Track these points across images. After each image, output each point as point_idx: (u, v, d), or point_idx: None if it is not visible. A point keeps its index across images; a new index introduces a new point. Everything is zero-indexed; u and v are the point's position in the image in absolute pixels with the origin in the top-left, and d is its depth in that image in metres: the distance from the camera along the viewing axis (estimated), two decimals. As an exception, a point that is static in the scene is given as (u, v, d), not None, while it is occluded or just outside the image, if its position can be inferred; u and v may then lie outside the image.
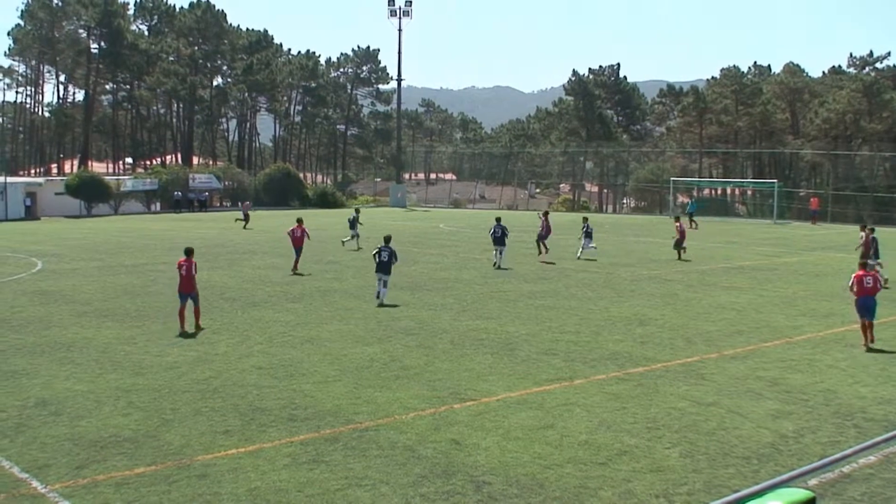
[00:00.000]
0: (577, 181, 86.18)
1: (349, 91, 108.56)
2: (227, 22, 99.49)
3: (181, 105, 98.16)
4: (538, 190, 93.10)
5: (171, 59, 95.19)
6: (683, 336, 16.05)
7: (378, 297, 19.71)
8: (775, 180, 60.45)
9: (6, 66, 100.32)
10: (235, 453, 9.44)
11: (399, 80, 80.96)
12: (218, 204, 76.69)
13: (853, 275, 15.55)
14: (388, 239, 20.41)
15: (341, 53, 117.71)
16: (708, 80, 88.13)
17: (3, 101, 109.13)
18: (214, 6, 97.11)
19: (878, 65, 78.96)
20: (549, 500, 8.19)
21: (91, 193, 62.95)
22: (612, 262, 28.96)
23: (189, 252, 16.87)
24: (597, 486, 8.52)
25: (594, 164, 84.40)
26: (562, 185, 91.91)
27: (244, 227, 44.59)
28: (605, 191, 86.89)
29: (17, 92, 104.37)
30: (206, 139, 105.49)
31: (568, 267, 27.34)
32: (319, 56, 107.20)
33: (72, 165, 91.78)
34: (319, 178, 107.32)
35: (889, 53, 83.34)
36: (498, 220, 28.02)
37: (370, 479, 8.64)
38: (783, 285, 23.30)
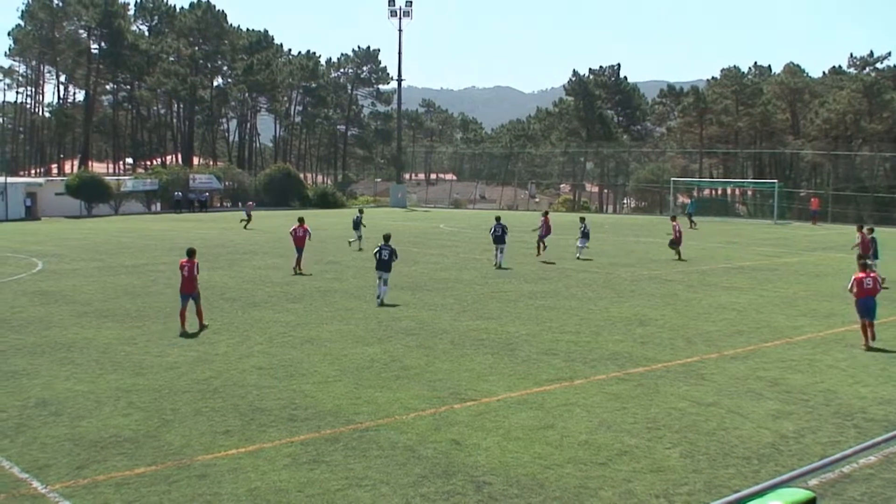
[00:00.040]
0: (578, 181, 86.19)
1: (349, 91, 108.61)
2: (227, 22, 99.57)
3: (181, 105, 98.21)
4: (538, 190, 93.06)
5: (172, 59, 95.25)
6: (684, 336, 16.04)
7: (378, 296, 19.76)
8: (776, 180, 60.44)
9: (7, 66, 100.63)
10: (235, 453, 9.43)
11: (399, 81, 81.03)
12: (218, 204, 76.71)
13: (853, 276, 15.58)
14: (387, 237, 20.51)
15: (341, 54, 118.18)
16: (708, 80, 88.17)
17: (4, 102, 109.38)
18: (215, 6, 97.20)
19: (878, 65, 78.97)
20: (549, 500, 8.19)
21: (91, 194, 62.97)
22: (612, 262, 28.96)
23: (191, 253, 16.88)
24: (597, 486, 8.52)
25: (594, 164, 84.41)
26: (562, 186, 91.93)
27: (245, 227, 44.59)
28: (606, 191, 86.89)
29: (17, 92, 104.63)
30: (207, 139, 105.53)
31: (568, 267, 27.34)
32: (320, 56, 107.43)
33: (72, 166, 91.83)
34: (320, 178, 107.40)
35: (889, 54, 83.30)
36: (498, 219, 28.13)
37: (370, 480, 8.64)
38: (783, 285, 23.29)
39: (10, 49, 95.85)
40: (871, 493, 8.38)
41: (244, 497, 8.21)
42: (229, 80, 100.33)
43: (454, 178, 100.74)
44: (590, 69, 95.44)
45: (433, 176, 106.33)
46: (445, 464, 9.11)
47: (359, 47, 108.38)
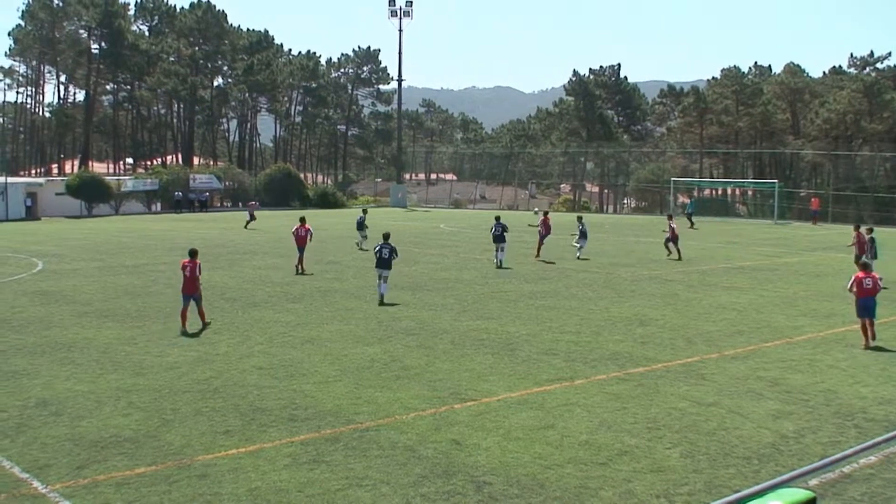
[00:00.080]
0: (578, 181, 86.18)
1: (350, 91, 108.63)
2: (227, 22, 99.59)
3: (182, 105, 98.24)
4: (538, 190, 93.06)
5: (172, 59, 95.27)
6: (684, 336, 16.04)
7: (380, 294, 19.86)
8: (776, 180, 60.43)
9: (7, 66, 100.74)
10: (236, 453, 9.44)
11: (399, 81, 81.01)
12: (218, 204, 76.71)
13: (853, 276, 15.63)
14: (386, 236, 20.79)
15: (342, 54, 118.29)
16: (708, 80, 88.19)
17: (4, 102, 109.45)
18: (215, 6, 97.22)
19: (878, 65, 78.96)
20: (549, 500, 8.19)
21: (92, 194, 62.96)
22: (612, 262, 28.96)
23: (193, 253, 16.89)
24: (597, 486, 8.52)
25: (595, 164, 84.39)
26: (562, 186, 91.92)
27: (245, 227, 44.60)
28: (606, 191, 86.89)
29: (17, 92, 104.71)
30: (207, 139, 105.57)
31: (568, 267, 27.34)
32: (320, 56, 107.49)
33: (72, 166, 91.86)
34: (320, 178, 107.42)
35: (890, 54, 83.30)
36: (497, 218, 28.29)
37: (371, 480, 8.64)
38: (784, 285, 23.29)
39: (10, 49, 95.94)
40: (871, 493, 8.38)
41: (244, 497, 8.21)
42: (229, 80, 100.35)
43: (454, 178, 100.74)
44: (590, 69, 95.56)
45: (433, 176, 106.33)
46: (446, 464, 9.11)
47: (359, 47, 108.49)
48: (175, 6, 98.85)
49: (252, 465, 9.07)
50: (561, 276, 25.16)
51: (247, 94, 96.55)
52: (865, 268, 15.82)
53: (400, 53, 77.58)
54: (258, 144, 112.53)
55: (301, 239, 25.61)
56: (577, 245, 30.05)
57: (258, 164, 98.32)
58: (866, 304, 15.11)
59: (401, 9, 75.00)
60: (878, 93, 70.63)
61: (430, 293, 21.33)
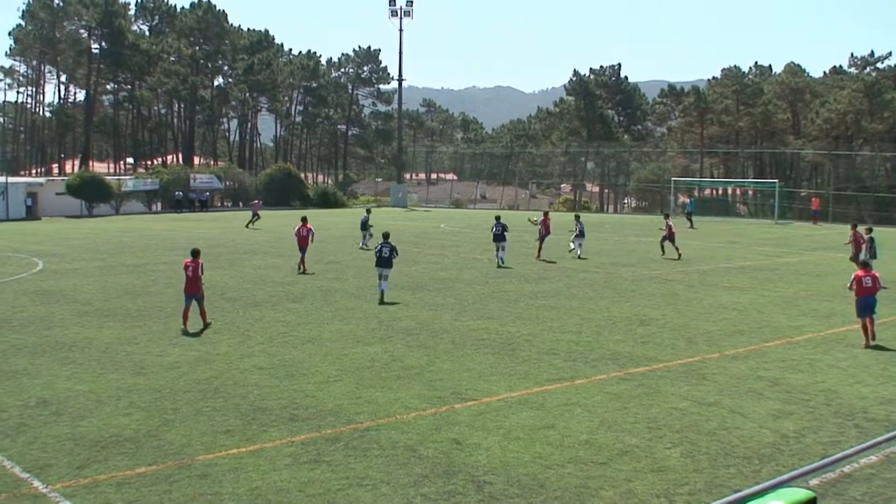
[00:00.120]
0: (578, 181, 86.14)
1: (350, 91, 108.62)
2: (227, 22, 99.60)
3: (182, 105, 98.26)
4: (539, 190, 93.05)
5: (172, 59, 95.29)
6: (684, 336, 16.04)
7: (380, 291, 19.98)
8: (776, 180, 60.43)
9: (7, 66, 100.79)
10: (236, 453, 9.44)
11: (400, 80, 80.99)
12: (219, 204, 76.71)
13: (853, 274, 15.68)
14: (386, 235, 21.01)
15: (342, 53, 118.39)
16: (709, 80, 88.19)
17: (5, 101, 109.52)
18: (215, 6, 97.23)
19: (879, 65, 78.92)
20: (550, 500, 8.19)
21: (92, 193, 62.95)
22: (613, 262, 28.96)
23: (195, 253, 16.90)
24: (598, 486, 8.52)
25: (595, 164, 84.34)
26: (563, 186, 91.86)
27: (246, 226, 44.61)
28: (607, 191, 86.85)
29: (18, 92, 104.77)
30: (207, 139, 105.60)
31: (569, 267, 27.34)
32: (320, 56, 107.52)
33: (73, 165, 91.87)
34: (320, 178, 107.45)
35: (890, 53, 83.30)
36: (497, 218, 28.40)
37: (371, 479, 8.64)
38: (784, 285, 23.29)
39: (10, 49, 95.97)
40: (871, 493, 8.38)
41: (245, 496, 8.22)
42: (230, 79, 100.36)
43: (455, 177, 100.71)
44: (590, 69, 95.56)
45: (434, 176, 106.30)
46: (446, 463, 9.11)
47: (359, 47, 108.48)
48: (175, 6, 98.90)
49: (253, 464, 9.07)
50: (561, 275, 25.16)
51: (247, 94, 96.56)
52: (865, 266, 15.87)
53: (400, 53, 77.62)
54: (259, 144, 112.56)
55: (303, 239, 25.61)
56: (574, 244, 30.20)
57: (258, 164, 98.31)
58: (867, 303, 15.14)
59: (401, 8, 75.01)
60: (878, 93, 70.61)
61: (430, 293, 21.34)
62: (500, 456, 9.35)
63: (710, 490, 8.40)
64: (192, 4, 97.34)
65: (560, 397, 11.73)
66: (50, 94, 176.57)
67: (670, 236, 30.33)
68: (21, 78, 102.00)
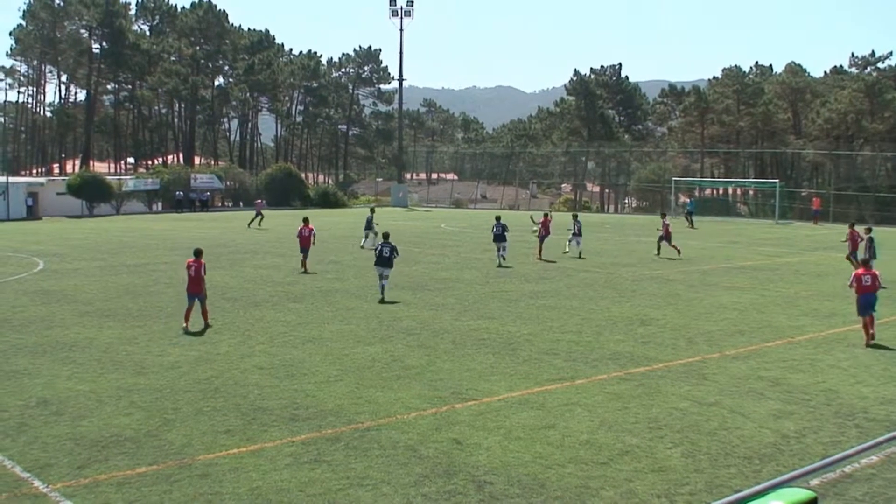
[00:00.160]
0: (579, 181, 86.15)
1: (351, 91, 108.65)
2: (228, 22, 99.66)
3: (183, 105, 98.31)
4: (539, 190, 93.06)
5: (173, 59, 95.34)
6: (685, 336, 16.04)
7: (380, 286, 20.08)
8: (777, 180, 60.42)
9: (8, 66, 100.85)
10: (237, 453, 9.44)
11: (400, 80, 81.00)
12: (219, 204, 76.75)
13: (853, 272, 15.79)
14: (386, 235, 21.13)
15: (343, 53, 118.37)
16: (709, 80, 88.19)
17: (5, 101, 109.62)
18: (216, 6, 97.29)
19: (879, 65, 78.92)
20: (550, 499, 8.19)
21: (93, 193, 62.98)
22: (613, 261, 28.96)
23: (198, 253, 16.90)
24: (598, 486, 8.52)
25: (596, 164, 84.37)
26: (563, 185, 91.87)
27: (248, 225, 44.64)
28: (607, 191, 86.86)
29: (18, 92, 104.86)
30: (208, 139, 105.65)
31: (569, 267, 27.33)
32: (321, 56, 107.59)
33: (73, 165, 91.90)
34: (321, 178, 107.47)
35: (891, 53, 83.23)
36: (498, 218, 28.47)
37: (372, 479, 8.64)
38: (785, 285, 23.28)
39: (11, 49, 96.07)
40: (872, 493, 8.37)
41: (245, 496, 8.21)
42: (230, 79, 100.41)
43: (455, 177, 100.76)
44: (591, 69, 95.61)
45: (434, 176, 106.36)
46: (447, 463, 9.11)
47: (360, 47, 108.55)
48: (176, 6, 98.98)
49: (253, 464, 9.07)
50: (562, 275, 25.16)
51: (248, 94, 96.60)
52: (866, 264, 15.96)
53: (401, 53, 77.63)
54: (259, 144, 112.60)
55: (304, 239, 25.57)
56: (571, 243, 30.35)
57: (259, 164, 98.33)
58: (867, 301, 15.20)
59: (402, 8, 75.02)
60: (879, 92, 70.60)
61: (430, 293, 21.34)
62: (500, 456, 9.34)
63: (710, 490, 8.39)
64: (192, 4, 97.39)
65: (560, 397, 11.72)
66: (51, 93, 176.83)
67: (666, 236, 30.46)
68: (22, 78, 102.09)
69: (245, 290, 21.62)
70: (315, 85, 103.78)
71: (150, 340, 15.43)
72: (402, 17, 75.06)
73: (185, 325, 16.33)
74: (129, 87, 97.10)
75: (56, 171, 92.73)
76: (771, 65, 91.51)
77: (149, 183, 68.20)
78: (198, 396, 11.69)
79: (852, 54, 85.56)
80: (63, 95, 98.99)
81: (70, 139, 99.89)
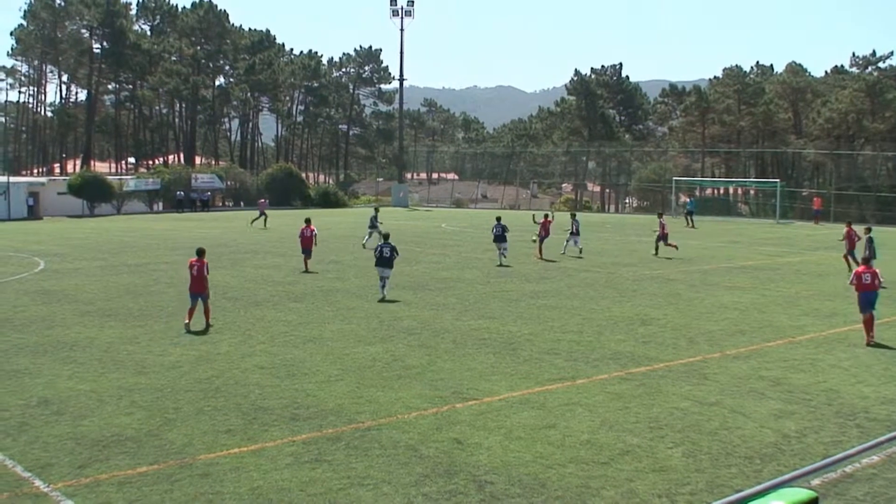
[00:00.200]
0: (580, 181, 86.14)
1: (351, 91, 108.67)
2: (229, 22, 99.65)
3: (183, 105, 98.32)
4: (540, 190, 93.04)
5: (174, 58, 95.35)
6: (686, 336, 16.03)
7: (381, 286, 20.14)
8: (778, 180, 60.39)
9: (9, 65, 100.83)
10: (238, 452, 9.44)
11: (401, 80, 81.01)
12: (220, 204, 76.77)
13: (853, 271, 15.89)
14: (386, 236, 21.27)
15: (343, 53, 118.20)
16: (710, 79, 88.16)
17: (6, 101, 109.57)
18: (217, 6, 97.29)
19: (880, 64, 78.88)
20: (551, 499, 8.19)
21: (94, 193, 63.00)
22: (614, 261, 28.96)
23: (201, 253, 16.91)
24: (599, 485, 8.52)
25: (596, 163, 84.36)
26: (564, 185, 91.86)
27: (251, 223, 44.65)
28: (608, 190, 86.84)
29: (19, 92, 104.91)
30: (209, 139, 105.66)
31: (570, 266, 27.33)
32: (321, 56, 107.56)
33: (74, 165, 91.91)
34: (321, 177, 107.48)
35: (892, 53, 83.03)
36: (498, 219, 28.47)
37: (372, 479, 8.64)
38: (786, 285, 23.27)
39: (12, 49, 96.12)
40: (873, 493, 8.37)
41: (246, 496, 8.22)
42: (231, 79, 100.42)
43: (456, 177, 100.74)
44: (592, 68, 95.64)
45: (435, 175, 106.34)
46: (447, 463, 9.11)
47: (360, 47, 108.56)
48: (177, 6, 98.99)
49: (254, 464, 9.07)
50: (563, 275, 25.15)
51: (248, 94, 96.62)
52: (866, 262, 16.02)
53: (401, 53, 77.62)
54: (260, 144, 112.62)
55: (306, 240, 25.55)
56: (568, 242, 30.40)
57: (260, 164, 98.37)
58: (867, 299, 15.28)
59: (402, 8, 75.02)
60: (880, 92, 70.56)
61: (431, 292, 21.34)
62: (501, 455, 9.34)
63: (711, 490, 8.39)
64: (193, 4, 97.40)
65: (561, 397, 11.72)
66: (51, 93, 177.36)
67: (663, 236, 30.57)
68: (23, 78, 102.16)
69: (246, 290, 21.62)
70: (316, 85, 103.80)
71: (151, 340, 15.44)
72: (402, 17, 75.10)
73: (187, 321, 16.33)
74: (130, 86, 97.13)
75: (57, 170, 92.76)
76: (772, 64, 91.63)
77: (150, 183, 68.20)
78: (199, 396, 11.69)
79: (853, 54, 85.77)
80: (64, 95, 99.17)
81: (71, 139, 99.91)
